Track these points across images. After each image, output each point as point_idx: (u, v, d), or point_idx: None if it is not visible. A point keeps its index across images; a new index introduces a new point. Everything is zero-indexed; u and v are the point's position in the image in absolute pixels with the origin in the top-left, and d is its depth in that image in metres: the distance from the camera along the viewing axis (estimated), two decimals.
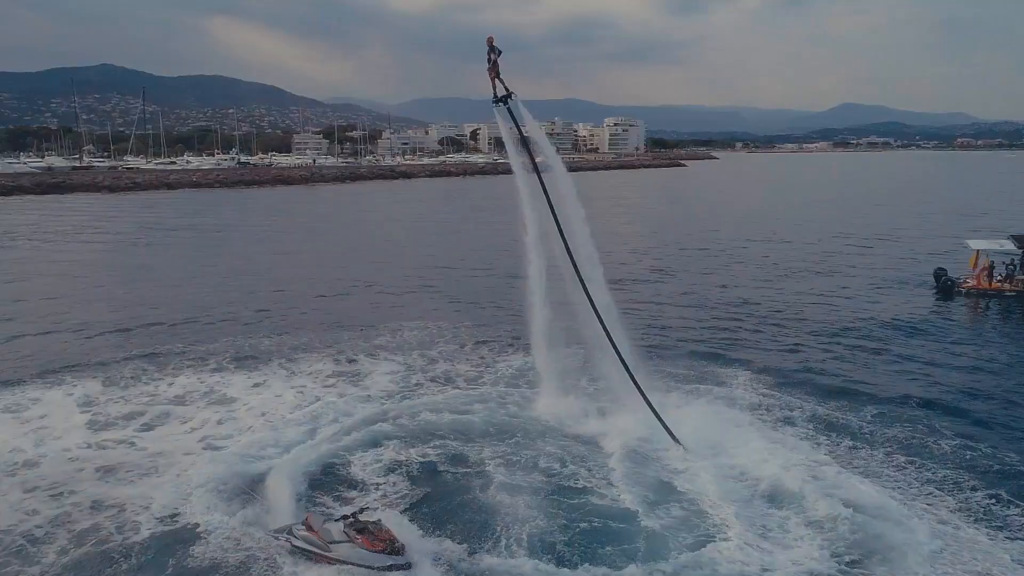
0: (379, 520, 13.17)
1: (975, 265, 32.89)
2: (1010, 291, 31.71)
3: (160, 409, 20.19)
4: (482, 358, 24.74)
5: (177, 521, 14.41)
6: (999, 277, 32.28)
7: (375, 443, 17.70)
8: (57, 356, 25.41)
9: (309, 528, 13.05)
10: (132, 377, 22.83)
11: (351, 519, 12.97)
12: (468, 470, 16.47)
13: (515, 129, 19.37)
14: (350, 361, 24.26)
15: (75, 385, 21.99)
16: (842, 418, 19.26)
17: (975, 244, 33.53)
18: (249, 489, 15.36)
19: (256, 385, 22.05)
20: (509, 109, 19.12)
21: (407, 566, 12.62)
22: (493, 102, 19.08)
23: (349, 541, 12.61)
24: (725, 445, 17.13)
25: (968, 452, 17.15)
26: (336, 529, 12.82)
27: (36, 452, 17.52)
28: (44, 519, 14.56)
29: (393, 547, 12.61)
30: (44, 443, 18.03)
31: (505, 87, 18.73)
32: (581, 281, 18.33)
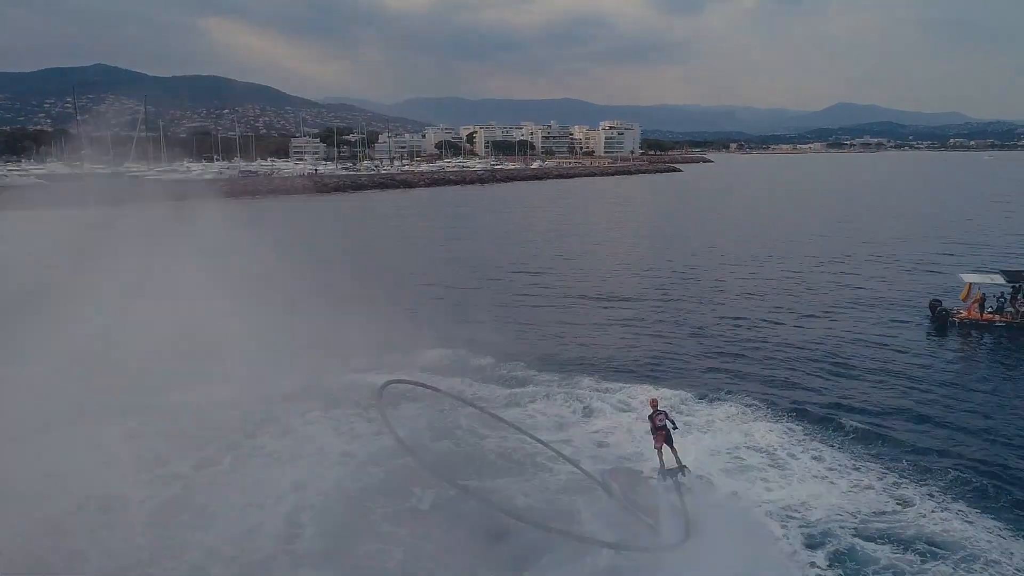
0: None
1: (967, 297, 34.76)
2: (1000, 322, 33.64)
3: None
4: (514, 376, 26.38)
5: None
6: (990, 309, 34.18)
7: (404, 483, 18.42)
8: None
9: None
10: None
11: None
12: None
13: None
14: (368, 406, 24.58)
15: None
16: (851, 449, 20.56)
17: (968, 278, 35.40)
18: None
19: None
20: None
21: None
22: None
23: None
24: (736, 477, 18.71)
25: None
26: None
27: None
28: None
29: None
30: None
31: (677, 459, 16.45)
32: None
